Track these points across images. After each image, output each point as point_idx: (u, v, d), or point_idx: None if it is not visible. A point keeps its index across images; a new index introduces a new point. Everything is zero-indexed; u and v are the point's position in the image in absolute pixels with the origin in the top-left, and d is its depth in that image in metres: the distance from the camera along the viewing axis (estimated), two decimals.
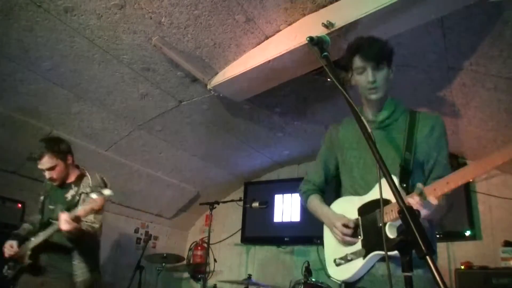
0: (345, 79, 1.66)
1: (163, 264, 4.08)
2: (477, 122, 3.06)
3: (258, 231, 4.80)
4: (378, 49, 1.52)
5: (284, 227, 4.62)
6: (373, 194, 1.50)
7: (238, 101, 3.21)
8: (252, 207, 3.78)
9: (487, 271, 2.99)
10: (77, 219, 2.13)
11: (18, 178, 3.45)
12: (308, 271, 3.37)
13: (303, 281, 3.28)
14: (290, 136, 4.10)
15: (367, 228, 1.47)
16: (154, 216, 4.83)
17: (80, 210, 2.13)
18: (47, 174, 2.40)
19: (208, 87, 2.99)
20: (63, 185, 2.48)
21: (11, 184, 3.42)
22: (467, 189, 3.59)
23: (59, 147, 2.42)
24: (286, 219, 4.64)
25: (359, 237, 1.49)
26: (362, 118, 1.16)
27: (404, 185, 1.44)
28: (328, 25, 2.16)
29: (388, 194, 1.23)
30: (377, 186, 1.45)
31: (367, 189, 1.53)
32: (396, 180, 1.41)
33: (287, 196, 4.75)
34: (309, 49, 1.37)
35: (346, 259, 1.51)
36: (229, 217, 5.08)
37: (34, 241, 2.30)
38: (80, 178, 2.48)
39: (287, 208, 4.69)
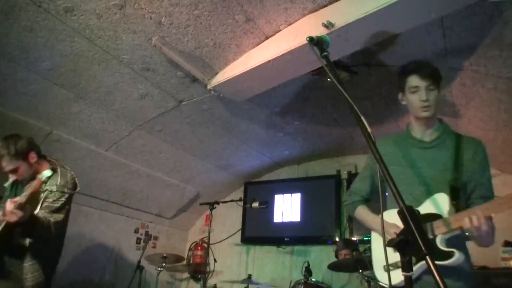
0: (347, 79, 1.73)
1: (163, 264, 4.08)
2: (477, 122, 3.06)
3: (258, 231, 4.81)
4: (433, 71, 1.66)
5: (284, 227, 4.63)
6: (424, 208, 1.59)
7: (238, 101, 3.21)
8: (252, 207, 3.78)
9: (487, 271, 2.99)
10: (21, 207, 1.92)
11: None
12: (308, 271, 3.38)
13: (303, 281, 3.28)
14: (290, 136, 4.10)
15: None
16: (154, 216, 4.83)
17: (21, 197, 1.95)
18: (10, 177, 2.29)
19: (208, 87, 2.99)
20: (31, 180, 2.27)
21: None
22: None
23: (16, 148, 2.24)
24: (286, 219, 4.65)
25: None
26: (362, 118, 1.17)
27: (455, 202, 1.57)
28: (328, 25, 2.16)
29: (437, 209, 1.52)
30: (427, 201, 1.61)
31: (415, 204, 1.60)
32: (447, 197, 1.57)
33: (287, 196, 4.75)
34: (309, 49, 1.37)
35: (396, 266, 1.61)
36: (229, 217, 5.08)
37: None
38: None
39: (287, 208, 4.69)
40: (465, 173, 1.63)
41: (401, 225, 1.58)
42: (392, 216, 1.72)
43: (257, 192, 4.95)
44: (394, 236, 1.58)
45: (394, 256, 1.62)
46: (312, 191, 4.60)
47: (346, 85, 1.28)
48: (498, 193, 3.59)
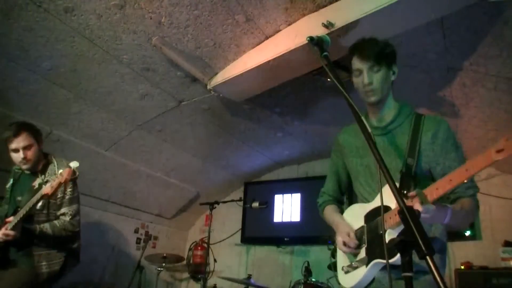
0: (347, 79, 1.63)
1: (163, 264, 4.08)
2: (477, 122, 3.06)
3: (258, 231, 4.80)
4: (374, 50, 1.48)
5: (284, 227, 4.62)
6: (377, 201, 1.49)
7: (238, 101, 3.21)
8: (252, 207, 3.78)
9: (487, 271, 2.99)
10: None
11: None
12: (308, 271, 3.37)
13: (303, 281, 3.28)
14: (290, 136, 4.10)
15: (370, 236, 1.47)
16: (154, 216, 4.83)
17: (46, 188, 2.07)
18: (21, 154, 2.29)
19: (208, 87, 2.99)
20: (32, 173, 2.41)
21: None
22: None
23: (36, 128, 2.41)
24: (286, 219, 4.64)
25: (363, 245, 1.49)
26: (363, 118, 1.17)
27: (405, 191, 1.35)
28: (328, 25, 2.16)
29: (389, 201, 1.32)
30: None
31: (373, 196, 1.53)
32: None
33: (287, 196, 4.75)
34: (309, 49, 1.37)
35: (352, 267, 1.53)
36: (229, 217, 5.08)
37: None
38: (46, 165, 2.42)
39: (287, 208, 4.69)
40: (426, 159, 1.46)
41: (359, 223, 1.53)
42: (352, 213, 1.64)
43: (257, 192, 4.95)
44: (341, 245, 1.51)
45: (349, 258, 1.56)
46: (312, 191, 4.56)
47: (346, 85, 1.27)
48: (499, 193, 3.61)
